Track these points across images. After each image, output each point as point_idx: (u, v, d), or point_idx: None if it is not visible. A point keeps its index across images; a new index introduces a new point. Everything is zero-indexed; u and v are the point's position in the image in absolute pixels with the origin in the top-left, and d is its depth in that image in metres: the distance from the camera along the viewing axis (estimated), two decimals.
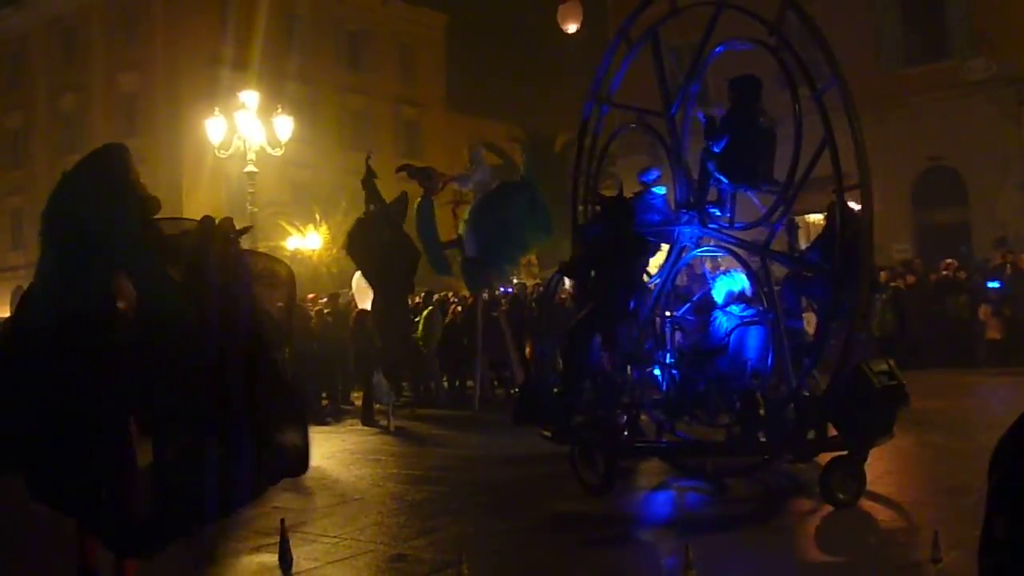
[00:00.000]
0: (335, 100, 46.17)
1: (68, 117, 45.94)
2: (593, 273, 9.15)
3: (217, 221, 6.22)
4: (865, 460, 7.81)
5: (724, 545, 6.98)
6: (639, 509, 8.27)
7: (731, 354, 8.72)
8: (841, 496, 7.69)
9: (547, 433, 9.30)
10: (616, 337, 8.89)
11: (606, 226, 8.96)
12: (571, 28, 23.83)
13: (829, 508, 7.98)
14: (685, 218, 9.40)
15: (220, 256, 6.11)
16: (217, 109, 23.88)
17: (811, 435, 8.24)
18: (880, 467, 8.10)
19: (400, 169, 17.02)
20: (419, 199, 16.24)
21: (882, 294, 15.89)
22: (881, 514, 7.46)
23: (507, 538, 7.46)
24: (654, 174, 10.24)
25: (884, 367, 7.98)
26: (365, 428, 14.51)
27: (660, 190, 10.11)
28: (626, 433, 9.21)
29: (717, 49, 9.67)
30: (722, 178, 9.02)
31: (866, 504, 7.82)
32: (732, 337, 8.73)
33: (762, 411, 8.17)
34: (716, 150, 8.94)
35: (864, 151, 8.17)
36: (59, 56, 46.64)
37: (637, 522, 7.95)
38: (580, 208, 10.44)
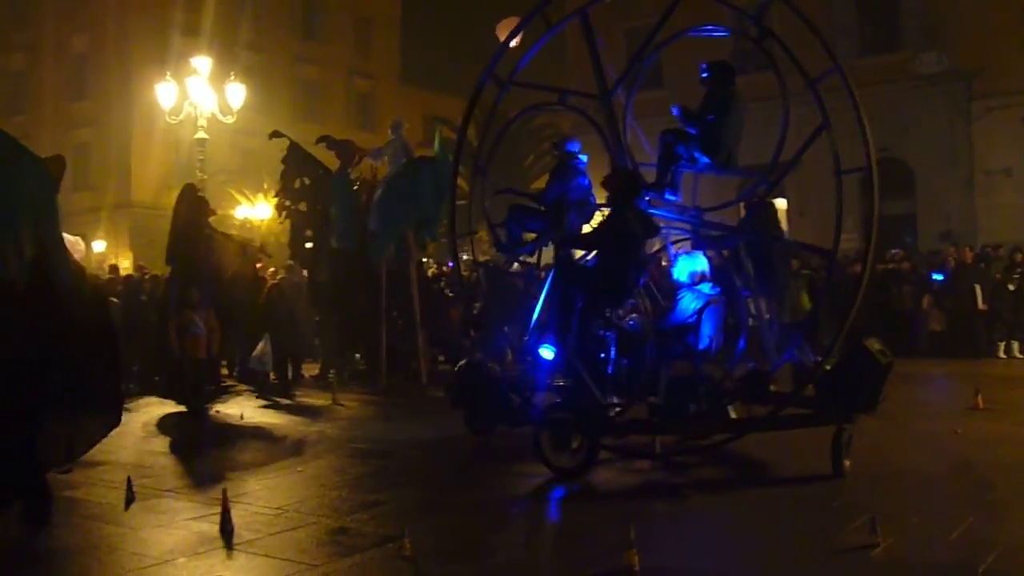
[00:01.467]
0: (288, 69, 45.73)
1: (17, 77, 44.99)
2: (598, 252, 9.02)
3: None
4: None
5: (666, 524, 7.03)
6: (585, 488, 8.28)
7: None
8: (847, 463, 8.18)
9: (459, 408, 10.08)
10: (611, 315, 8.89)
11: (617, 203, 8.83)
12: (514, 43, 23.59)
13: (769, 491, 8.08)
14: None
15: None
16: (168, 74, 23.58)
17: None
18: (821, 452, 8.19)
19: (320, 140, 17.26)
20: (335, 171, 16.33)
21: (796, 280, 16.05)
22: (819, 499, 7.53)
23: (450, 513, 7.47)
24: (575, 145, 10.36)
25: (878, 346, 8.49)
26: (313, 402, 14.43)
27: (584, 158, 10.26)
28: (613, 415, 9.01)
29: (689, 32, 9.84)
30: (702, 159, 9.12)
31: (805, 489, 7.94)
32: (698, 316, 8.77)
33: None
34: (693, 132, 9.07)
35: (867, 136, 8.64)
36: (8, 15, 45.54)
37: (582, 500, 7.97)
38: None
